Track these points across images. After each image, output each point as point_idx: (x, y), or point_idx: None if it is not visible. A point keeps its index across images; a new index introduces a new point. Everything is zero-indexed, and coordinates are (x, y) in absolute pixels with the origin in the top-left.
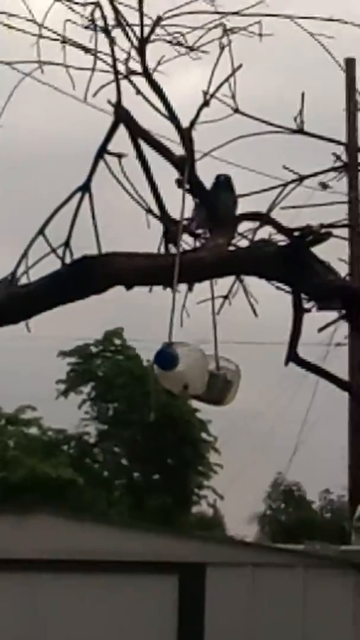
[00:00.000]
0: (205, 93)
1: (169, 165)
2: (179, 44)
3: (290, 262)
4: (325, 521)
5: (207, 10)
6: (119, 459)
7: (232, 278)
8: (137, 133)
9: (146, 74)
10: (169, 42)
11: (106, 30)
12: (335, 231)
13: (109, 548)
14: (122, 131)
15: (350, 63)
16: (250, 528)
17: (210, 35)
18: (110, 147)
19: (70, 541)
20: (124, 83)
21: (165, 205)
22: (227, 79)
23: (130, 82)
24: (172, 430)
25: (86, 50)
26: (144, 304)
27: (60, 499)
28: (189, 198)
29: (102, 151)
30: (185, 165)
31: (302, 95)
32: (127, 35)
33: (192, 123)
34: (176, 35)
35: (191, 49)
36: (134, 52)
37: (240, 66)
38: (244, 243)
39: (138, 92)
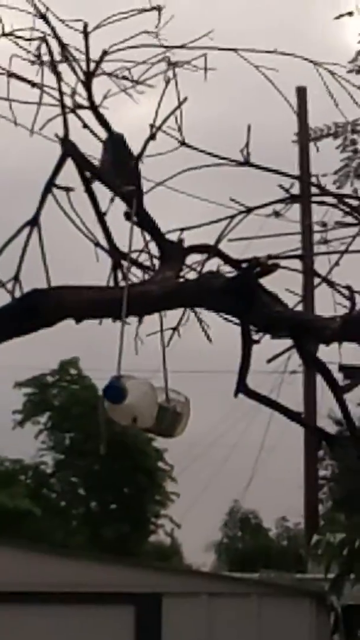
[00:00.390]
0: (151, 126)
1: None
2: (124, 77)
3: (238, 294)
4: (281, 549)
5: (152, 44)
6: (76, 489)
7: (182, 309)
8: (85, 166)
9: (93, 107)
10: (115, 76)
11: (53, 66)
12: (286, 261)
13: (65, 579)
14: (70, 164)
15: (301, 92)
16: (207, 556)
17: (155, 69)
18: (59, 180)
19: (26, 573)
20: (71, 117)
21: (114, 238)
22: (172, 113)
23: (77, 115)
24: (128, 460)
25: (33, 84)
26: (98, 333)
27: (17, 530)
28: (137, 231)
29: (50, 185)
30: (133, 198)
31: (249, 127)
32: (73, 69)
33: (139, 156)
34: (122, 69)
35: (137, 82)
36: (80, 86)
37: (185, 99)
38: (192, 275)
39: (85, 125)
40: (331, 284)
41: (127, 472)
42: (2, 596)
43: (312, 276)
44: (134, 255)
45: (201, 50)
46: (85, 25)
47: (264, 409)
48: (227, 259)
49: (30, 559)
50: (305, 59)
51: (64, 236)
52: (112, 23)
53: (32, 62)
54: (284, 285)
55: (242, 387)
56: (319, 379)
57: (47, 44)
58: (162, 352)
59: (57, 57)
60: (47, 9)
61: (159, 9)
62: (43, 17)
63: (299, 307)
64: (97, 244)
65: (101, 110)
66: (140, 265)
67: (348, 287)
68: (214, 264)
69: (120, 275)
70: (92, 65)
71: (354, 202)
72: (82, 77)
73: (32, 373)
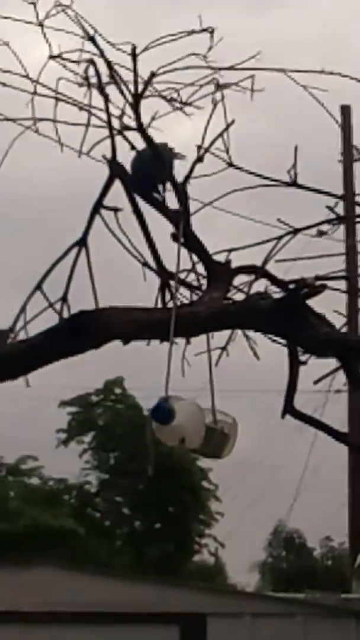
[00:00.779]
0: (199, 148)
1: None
2: (172, 99)
3: (286, 315)
4: (326, 569)
5: (200, 65)
6: (120, 508)
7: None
8: (133, 186)
9: (140, 129)
10: (163, 97)
11: (100, 87)
12: (332, 282)
13: (109, 600)
14: (118, 185)
15: (345, 110)
16: (252, 576)
17: (203, 90)
18: (107, 201)
19: (70, 593)
20: (118, 138)
21: (162, 259)
22: (220, 135)
23: (125, 137)
24: (172, 479)
25: (80, 107)
26: (144, 352)
27: (61, 550)
28: (184, 250)
29: (98, 206)
30: (180, 219)
31: (295, 148)
32: (121, 91)
33: (187, 178)
34: (170, 90)
35: (185, 104)
36: (128, 108)
37: (232, 122)
38: (239, 296)
39: (132, 147)
40: None
41: (172, 491)
42: (47, 616)
43: (357, 296)
44: (181, 275)
45: (249, 71)
46: (134, 48)
47: (308, 428)
48: (274, 280)
49: (74, 579)
50: (352, 79)
51: (112, 257)
52: (160, 45)
53: (80, 85)
54: (325, 304)
55: (289, 408)
56: None
57: (95, 66)
58: (210, 373)
59: (105, 79)
60: (95, 31)
61: (211, 31)
62: (91, 39)
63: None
64: (145, 264)
65: (148, 131)
66: (188, 285)
67: None
68: (261, 285)
69: (168, 296)
70: (140, 87)
71: None
72: (130, 98)
73: (77, 392)
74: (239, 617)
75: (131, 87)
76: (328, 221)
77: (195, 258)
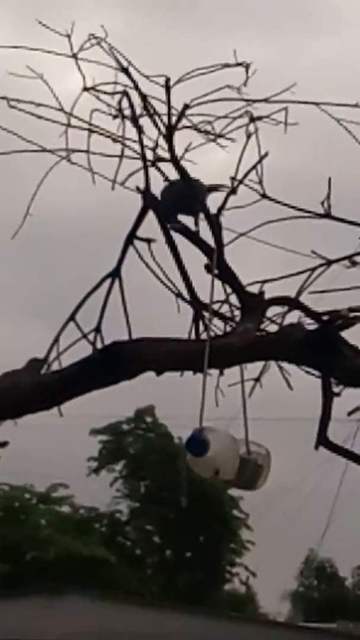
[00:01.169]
0: (232, 179)
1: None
2: (206, 131)
3: (320, 347)
4: (358, 598)
5: (233, 97)
6: (151, 537)
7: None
8: (166, 218)
9: (174, 161)
10: (196, 129)
11: (134, 119)
12: None
13: (140, 629)
14: (151, 216)
15: None
16: (283, 605)
17: (237, 122)
18: (140, 231)
19: (101, 621)
20: (151, 170)
21: (195, 290)
22: (253, 167)
23: (158, 169)
24: (203, 507)
25: (114, 139)
26: (174, 381)
27: (92, 578)
28: (217, 282)
29: (131, 237)
30: (213, 251)
31: (329, 180)
32: (154, 123)
33: (220, 210)
34: (203, 122)
35: (218, 136)
36: (161, 140)
37: (266, 154)
38: (273, 327)
39: (166, 179)
40: None
41: (203, 520)
42: None
43: None
44: (215, 307)
45: (282, 103)
46: (167, 80)
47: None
48: (308, 312)
49: (105, 607)
50: None
51: (145, 287)
52: (195, 77)
53: (114, 117)
54: (358, 336)
55: (322, 439)
56: None
57: (129, 98)
58: (243, 404)
59: (139, 111)
60: (129, 63)
61: (246, 66)
62: (125, 71)
63: None
64: (178, 295)
65: (182, 162)
66: (221, 317)
67: None
68: (294, 316)
69: (201, 327)
70: (174, 119)
71: None
72: (163, 130)
73: (108, 421)
74: None
75: (164, 118)
76: None
77: (228, 289)
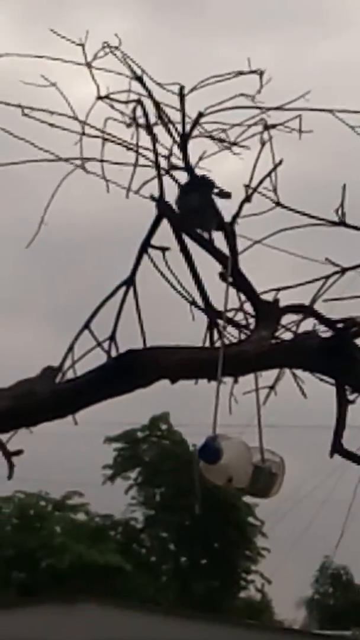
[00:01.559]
0: (246, 187)
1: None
2: (220, 140)
3: (334, 354)
4: None
5: (247, 105)
6: (166, 544)
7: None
8: (180, 227)
9: (188, 169)
10: (211, 137)
11: (148, 128)
12: None
13: (155, 637)
14: (165, 224)
15: None
16: (299, 612)
17: (250, 130)
18: (154, 239)
19: (116, 629)
20: (165, 178)
21: (210, 298)
22: (267, 175)
23: (172, 177)
24: (218, 515)
25: (128, 148)
26: (189, 389)
27: (107, 586)
28: (232, 290)
29: (145, 245)
30: (228, 259)
31: (344, 187)
32: (168, 131)
33: (234, 218)
34: (217, 130)
35: (233, 144)
36: (175, 148)
37: (280, 162)
38: (288, 335)
39: (180, 187)
40: None
41: (218, 527)
42: None
43: None
44: (229, 314)
45: (296, 111)
46: (182, 88)
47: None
48: (322, 319)
49: (120, 615)
50: None
51: (160, 295)
52: (209, 85)
53: (128, 125)
54: None
55: (337, 447)
56: None
57: (143, 107)
58: (257, 412)
59: (153, 119)
60: (143, 71)
61: (260, 73)
62: (139, 79)
63: None
64: (193, 303)
65: (196, 171)
66: (236, 324)
67: None
68: (309, 324)
69: (216, 335)
70: (188, 127)
71: None
72: (177, 138)
73: (123, 428)
74: None
75: (179, 127)
76: None
77: (243, 297)
